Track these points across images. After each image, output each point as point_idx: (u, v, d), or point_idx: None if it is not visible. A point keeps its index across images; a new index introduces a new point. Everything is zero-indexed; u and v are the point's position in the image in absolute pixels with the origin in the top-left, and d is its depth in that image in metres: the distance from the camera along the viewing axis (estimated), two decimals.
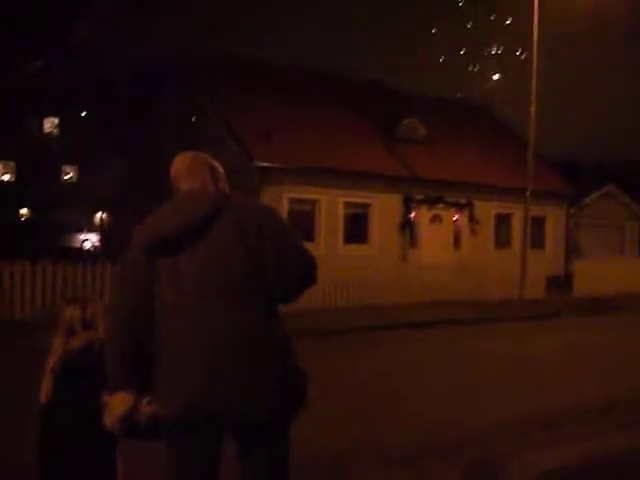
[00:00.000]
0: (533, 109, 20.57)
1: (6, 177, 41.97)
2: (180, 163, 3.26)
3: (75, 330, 3.62)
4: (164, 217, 3.05)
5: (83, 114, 40.58)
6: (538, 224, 24.80)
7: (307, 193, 20.53)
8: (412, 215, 22.39)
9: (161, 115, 24.15)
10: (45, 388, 3.57)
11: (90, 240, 39.25)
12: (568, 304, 20.24)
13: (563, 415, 7.34)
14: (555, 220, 26.55)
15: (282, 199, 19.75)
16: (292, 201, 20.21)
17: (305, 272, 3.08)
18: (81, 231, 40.41)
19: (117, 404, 2.96)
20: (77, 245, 38.52)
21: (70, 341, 3.60)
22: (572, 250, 27.19)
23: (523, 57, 29.99)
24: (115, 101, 28.76)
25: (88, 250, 35.99)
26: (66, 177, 44.39)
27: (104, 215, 39.77)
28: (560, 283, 23.38)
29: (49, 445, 3.55)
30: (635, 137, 61.01)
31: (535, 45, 20.69)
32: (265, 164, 19.40)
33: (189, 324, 2.90)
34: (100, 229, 39.27)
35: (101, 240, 36.65)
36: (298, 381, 3.04)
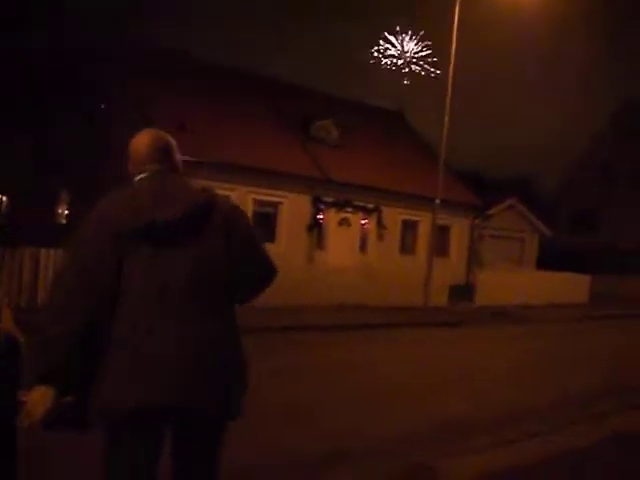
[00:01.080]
0: (447, 119, 20.83)
1: None
2: (145, 143, 3.04)
3: None
4: (152, 201, 2.79)
5: None
6: (443, 233, 25.18)
7: (216, 188, 20.02)
8: (321, 217, 22.30)
9: (73, 101, 23.25)
10: None
11: None
12: (470, 313, 20.55)
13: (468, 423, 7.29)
14: (460, 229, 27.00)
15: None
16: None
17: (268, 277, 3.11)
18: None
19: (38, 401, 2.66)
20: None
21: None
22: (474, 260, 27.73)
23: (436, 74, 30.43)
24: (27, 83, 27.51)
25: None
26: None
27: (5, 198, 38.10)
28: (462, 292, 23.75)
29: None
30: (541, 153, 62.97)
31: (452, 56, 20.97)
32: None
33: (164, 321, 2.74)
34: (1, 213, 37.59)
35: (2, 224, 35.10)
36: (244, 385, 3.02)
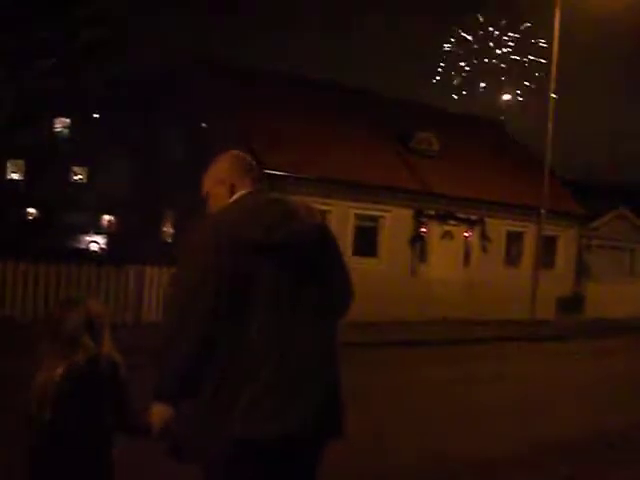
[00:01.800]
0: (550, 125, 20.30)
1: (15, 176, 41.84)
2: (236, 161, 3.04)
3: (79, 342, 3.30)
4: (282, 217, 2.72)
5: (95, 115, 40.45)
6: (550, 243, 24.47)
7: (317, 204, 20.21)
8: (423, 230, 22.08)
9: (170, 119, 23.94)
10: (41, 402, 3.26)
11: (97, 242, 39.07)
12: (579, 326, 19.91)
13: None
14: (567, 240, 26.19)
15: None
16: None
17: (350, 303, 3.04)
18: (88, 233, 40.21)
19: (155, 419, 2.74)
20: (83, 247, 38.35)
21: (73, 355, 3.27)
22: (582, 271, 26.85)
23: (540, 75, 29.58)
24: (126, 103, 28.54)
25: (94, 252, 35.80)
26: (75, 178, 44.30)
27: (111, 217, 39.66)
28: (570, 304, 23.05)
29: (44, 459, 3.25)
30: None
31: (554, 62, 20.46)
32: (275, 172, 19.11)
33: (297, 353, 2.70)
34: (107, 231, 39.12)
35: (108, 243, 36.48)
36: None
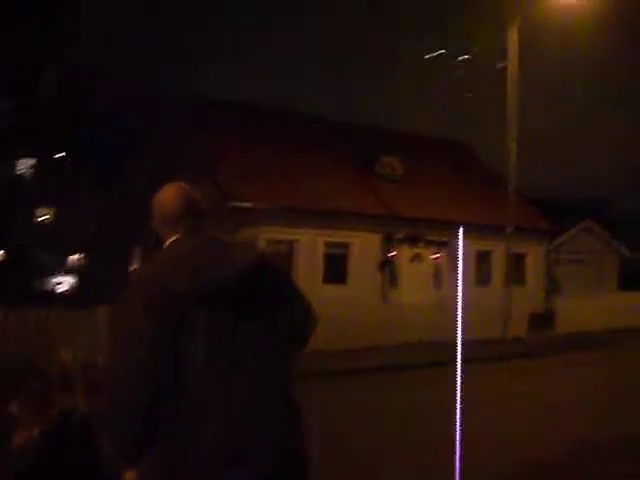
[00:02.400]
0: (513, 145, 20.50)
1: None
2: (176, 197, 2.87)
3: (51, 398, 3.23)
4: (208, 260, 2.61)
5: (59, 155, 40.18)
6: (518, 261, 24.65)
7: (285, 234, 20.23)
8: (392, 254, 22.14)
9: (140, 153, 23.86)
10: (22, 462, 3.18)
11: (64, 283, 38.64)
12: (552, 343, 20.02)
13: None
14: (535, 256, 26.44)
15: (259, 240, 19.40)
16: (269, 242, 19.88)
17: (311, 332, 2.94)
18: (55, 273, 39.77)
19: None
20: (50, 288, 37.90)
21: (48, 412, 3.20)
22: (552, 286, 27.06)
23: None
24: (95, 141, 28.39)
25: (62, 293, 35.38)
26: (41, 218, 43.81)
27: (79, 257, 39.24)
28: (542, 320, 23.17)
29: None
30: (612, 174, 61.42)
31: (514, 80, 20.69)
32: (242, 204, 19.09)
33: (234, 387, 2.55)
34: (74, 271, 38.69)
35: (76, 283, 36.07)
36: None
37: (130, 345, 2.53)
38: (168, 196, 2.90)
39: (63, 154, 39.13)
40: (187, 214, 2.84)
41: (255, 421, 2.57)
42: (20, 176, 41.94)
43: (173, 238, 2.81)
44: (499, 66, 19.62)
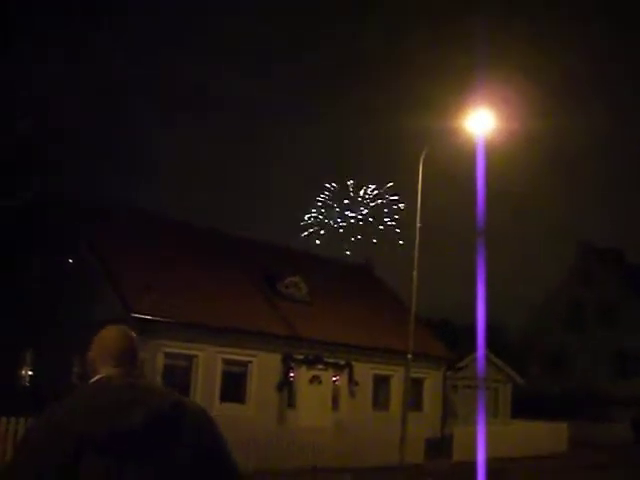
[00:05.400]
0: (415, 274, 20.89)
1: None
2: (110, 343, 2.86)
3: None
4: (114, 406, 2.53)
5: None
6: (416, 386, 24.79)
7: (185, 348, 19.80)
8: (291, 375, 21.93)
9: (36, 260, 23.20)
10: None
11: None
12: (448, 470, 19.93)
13: None
14: (433, 382, 26.66)
15: (158, 353, 18.93)
16: (168, 356, 19.42)
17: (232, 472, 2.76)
18: None
19: None
20: None
21: None
22: (448, 412, 27.23)
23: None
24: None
25: None
26: None
27: None
28: (439, 447, 23.13)
29: None
30: (509, 300, 63.61)
31: (418, 217, 21.23)
32: (143, 316, 18.65)
33: None
34: None
35: None
36: None
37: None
38: (115, 335, 2.91)
39: None
40: (124, 356, 2.84)
41: None
42: None
43: (100, 375, 2.77)
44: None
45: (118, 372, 2.79)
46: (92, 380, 2.81)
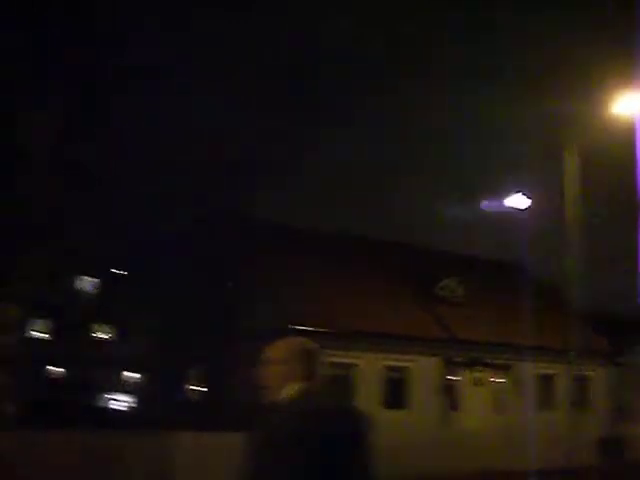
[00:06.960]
0: (573, 266, 20.09)
1: (44, 336, 41.62)
2: (296, 356, 3.03)
3: None
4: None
5: (123, 273, 41.07)
6: (583, 383, 23.91)
7: (345, 357, 20.10)
8: (452, 378, 21.80)
9: (202, 277, 24.21)
10: None
11: (120, 400, 38.78)
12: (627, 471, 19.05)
13: None
14: (599, 379, 25.63)
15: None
16: (331, 365, 19.76)
17: None
18: (115, 392, 39.99)
19: None
20: (105, 405, 38.05)
21: None
22: (619, 410, 26.06)
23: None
24: (156, 260, 28.79)
25: (118, 412, 35.32)
26: (103, 336, 44.16)
27: (136, 376, 39.46)
28: (611, 446, 22.19)
29: None
30: None
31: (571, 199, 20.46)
32: (302, 327, 19.13)
33: None
34: (133, 390, 38.82)
35: (135, 402, 36.10)
36: None
37: None
38: (287, 351, 3.04)
39: (126, 273, 40.08)
40: (303, 375, 3.01)
41: None
42: (82, 294, 42.92)
43: (283, 396, 2.94)
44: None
45: (304, 390, 2.97)
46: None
